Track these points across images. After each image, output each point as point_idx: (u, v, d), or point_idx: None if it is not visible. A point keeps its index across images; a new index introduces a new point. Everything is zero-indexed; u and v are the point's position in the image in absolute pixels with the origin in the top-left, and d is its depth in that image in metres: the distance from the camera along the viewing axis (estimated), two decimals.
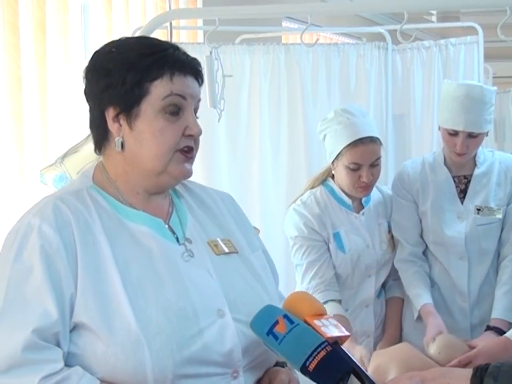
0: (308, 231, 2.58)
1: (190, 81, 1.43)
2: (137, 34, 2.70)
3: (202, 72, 1.48)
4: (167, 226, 1.46)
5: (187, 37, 4.27)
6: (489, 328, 2.53)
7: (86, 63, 1.49)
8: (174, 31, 3.55)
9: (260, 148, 3.88)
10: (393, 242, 2.69)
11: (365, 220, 2.65)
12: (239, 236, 1.56)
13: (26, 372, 1.26)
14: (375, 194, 2.73)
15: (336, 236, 2.60)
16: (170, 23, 3.03)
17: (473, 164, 2.68)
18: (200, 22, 4.30)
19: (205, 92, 2.83)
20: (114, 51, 1.44)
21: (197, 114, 1.48)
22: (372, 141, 2.54)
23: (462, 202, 2.66)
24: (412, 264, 2.66)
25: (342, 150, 2.54)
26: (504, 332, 2.50)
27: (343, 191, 2.63)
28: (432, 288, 2.68)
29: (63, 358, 1.30)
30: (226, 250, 1.50)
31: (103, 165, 1.49)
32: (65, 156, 2.11)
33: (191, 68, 1.44)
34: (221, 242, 1.50)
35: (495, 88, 2.66)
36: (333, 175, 2.65)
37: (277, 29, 5.00)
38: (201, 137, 1.49)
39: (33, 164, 3.02)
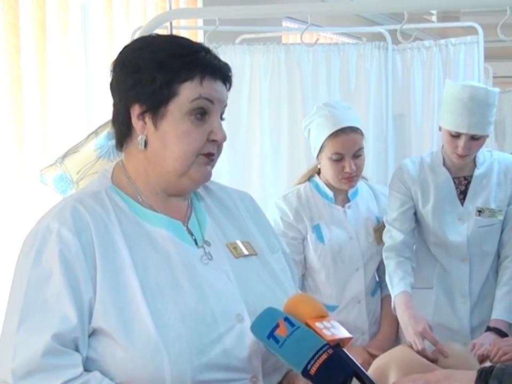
0: (284, 225, 2.62)
1: (219, 85, 1.42)
2: (137, 34, 2.70)
3: (232, 77, 1.47)
4: (185, 228, 1.45)
5: (187, 36, 4.26)
6: (489, 329, 2.53)
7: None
8: (174, 31, 3.53)
9: (260, 148, 3.88)
10: (379, 235, 2.69)
11: (351, 213, 2.67)
12: (259, 237, 1.54)
13: (46, 377, 1.25)
14: (364, 190, 2.76)
15: (316, 228, 2.63)
16: (171, 23, 3.02)
17: (473, 164, 2.66)
18: (200, 22, 4.29)
19: None
20: (145, 48, 1.42)
21: (223, 119, 1.46)
22: (352, 130, 2.57)
23: (462, 204, 2.65)
24: (400, 253, 2.60)
25: (324, 142, 2.58)
26: (504, 332, 2.50)
27: (328, 186, 2.66)
28: (431, 290, 2.67)
29: (82, 363, 1.29)
30: (246, 252, 1.48)
31: (123, 163, 1.48)
32: (65, 155, 2.11)
33: (222, 73, 1.42)
34: (240, 245, 1.48)
35: (498, 89, 2.65)
36: (319, 171, 2.69)
37: (277, 28, 5.00)
38: None
39: (34, 163, 3.01)
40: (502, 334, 2.50)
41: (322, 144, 2.58)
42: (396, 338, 2.75)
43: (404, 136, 4.08)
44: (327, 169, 2.61)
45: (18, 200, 2.97)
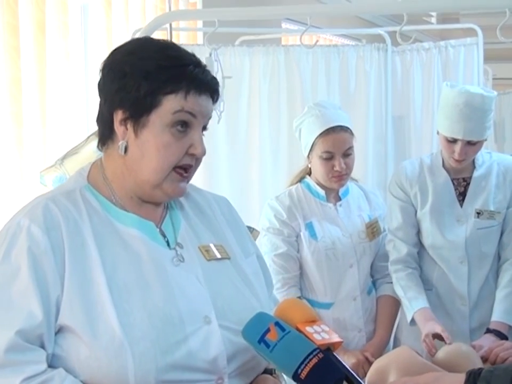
0: (279, 223, 2.65)
1: (204, 99, 1.42)
2: (137, 36, 2.70)
3: (219, 90, 1.46)
4: (158, 230, 1.46)
5: (187, 38, 4.28)
6: (488, 330, 2.52)
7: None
8: (173, 32, 3.55)
9: (259, 149, 3.88)
10: (371, 230, 2.71)
11: (342, 210, 2.71)
12: (233, 241, 1.56)
13: (8, 372, 1.26)
14: (355, 189, 2.80)
15: (309, 226, 2.66)
16: (170, 25, 3.03)
17: (472, 166, 2.66)
18: (200, 24, 4.30)
19: None
20: (134, 54, 1.42)
21: (204, 132, 1.46)
22: (342, 129, 2.61)
23: (461, 205, 2.65)
24: (407, 264, 2.65)
25: (314, 140, 2.61)
26: (504, 335, 2.50)
27: (319, 185, 2.69)
28: (430, 292, 2.67)
29: (46, 360, 1.30)
30: (218, 256, 1.49)
31: (102, 162, 1.48)
32: (65, 157, 2.11)
33: (208, 88, 1.42)
34: (213, 248, 1.50)
35: (496, 93, 2.64)
36: (310, 172, 2.72)
37: (276, 30, 5.00)
38: None
39: (33, 165, 3.02)
40: (501, 336, 2.50)
41: (313, 143, 2.62)
42: (394, 340, 2.76)
43: (403, 138, 4.08)
44: (317, 168, 2.64)
45: (18, 202, 2.97)
